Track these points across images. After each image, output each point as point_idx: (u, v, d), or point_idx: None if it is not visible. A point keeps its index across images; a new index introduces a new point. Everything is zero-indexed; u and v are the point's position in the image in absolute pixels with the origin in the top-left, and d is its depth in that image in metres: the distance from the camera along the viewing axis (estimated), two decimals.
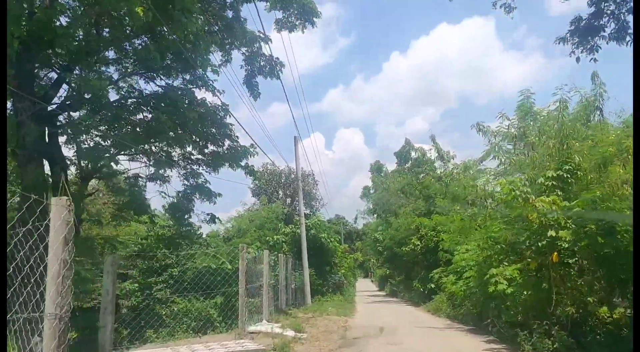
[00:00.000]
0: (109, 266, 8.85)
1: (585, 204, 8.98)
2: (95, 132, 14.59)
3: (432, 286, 23.03)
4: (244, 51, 17.29)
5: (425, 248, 25.09)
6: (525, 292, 10.91)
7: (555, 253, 9.80)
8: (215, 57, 16.37)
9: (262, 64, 18.37)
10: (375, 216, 45.77)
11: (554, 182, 10.94)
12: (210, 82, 16.06)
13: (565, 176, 11.04)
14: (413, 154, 28.52)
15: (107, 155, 14.58)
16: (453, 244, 20.50)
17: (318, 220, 29.00)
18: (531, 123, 14.07)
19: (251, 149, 19.35)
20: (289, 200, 43.97)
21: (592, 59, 10.77)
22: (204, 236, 29.46)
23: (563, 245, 9.66)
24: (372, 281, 74.47)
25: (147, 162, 17.48)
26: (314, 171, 44.54)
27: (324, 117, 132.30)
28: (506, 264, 12.25)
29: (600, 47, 10.61)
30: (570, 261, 10.06)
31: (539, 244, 9.94)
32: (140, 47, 13.61)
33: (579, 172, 11.12)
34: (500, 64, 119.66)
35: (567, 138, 11.56)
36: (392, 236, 30.20)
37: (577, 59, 10.85)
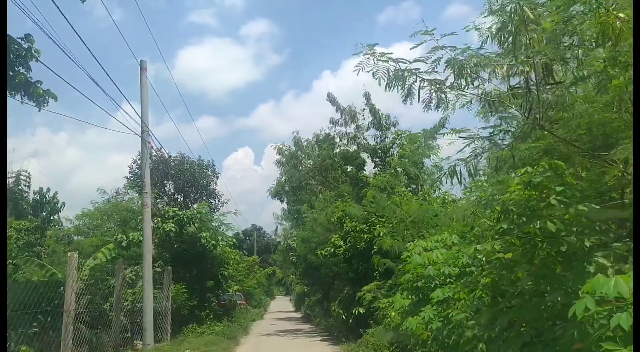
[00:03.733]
0: None
1: None
2: None
3: (361, 311, 14.35)
4: None
5: (351, 251, 16.23)
6: None
7: None
8: None
9: None
10: (293, 219, 36.80)
11: None
12: None
13: None
14: (339, 116, 20.28)
15: None
16: (399, 241, 12.08)
17: (197, 212, 19.54)
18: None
19: (32, 46, 10.64)
20: (180, 197, 33.89)
21: None
22: None
23: None
24: (290, 300, 65.16)
25: None
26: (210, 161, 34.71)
27: (252, 133, 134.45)
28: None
29: None
30: None
31: None
32: None
33: None
34: None
35: None
36: (304, 237, 21.21)
37: None
